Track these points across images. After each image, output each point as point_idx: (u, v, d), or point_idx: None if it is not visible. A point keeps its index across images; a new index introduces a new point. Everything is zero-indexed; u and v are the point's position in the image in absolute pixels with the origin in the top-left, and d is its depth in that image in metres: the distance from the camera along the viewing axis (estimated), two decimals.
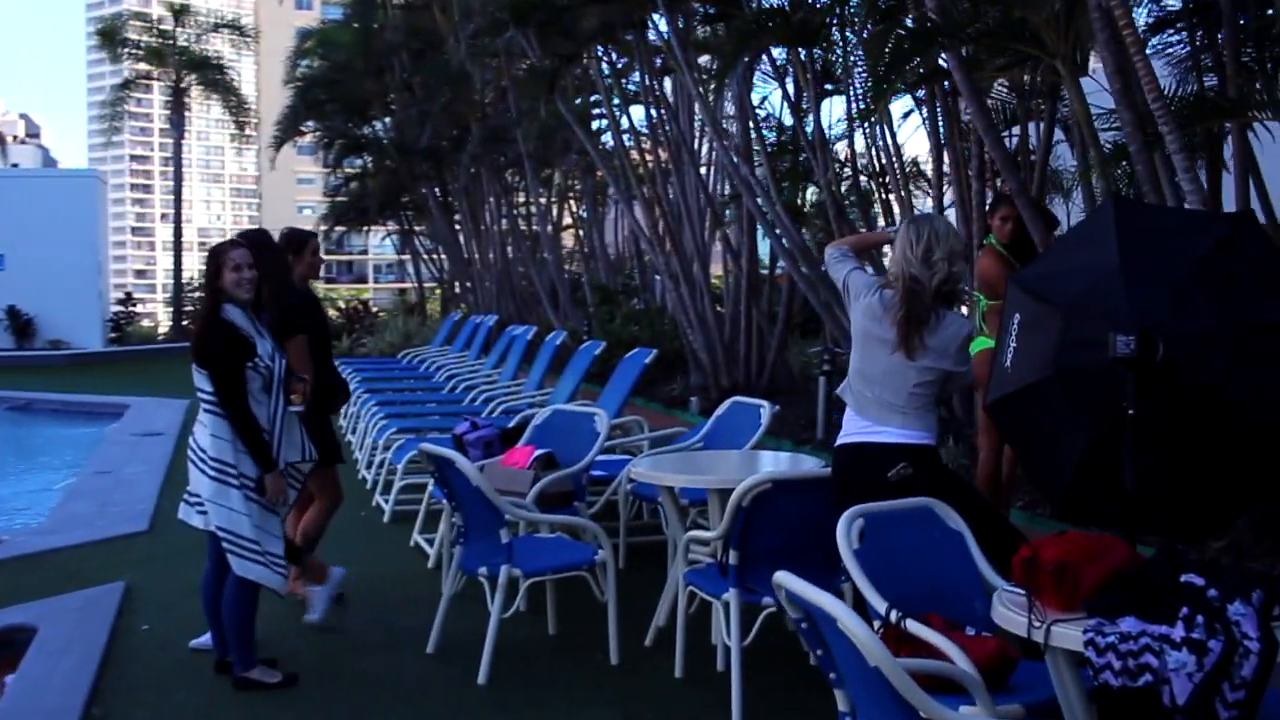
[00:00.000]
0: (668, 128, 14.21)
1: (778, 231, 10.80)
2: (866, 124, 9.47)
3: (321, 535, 6.79)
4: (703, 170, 15.12)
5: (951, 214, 10.01)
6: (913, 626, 3.87)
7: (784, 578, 3.15)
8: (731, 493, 5.75)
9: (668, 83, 14.83)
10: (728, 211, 14.26)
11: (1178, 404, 4.69)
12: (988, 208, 7.49)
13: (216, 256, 5.38)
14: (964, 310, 5.56)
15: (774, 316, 13.55)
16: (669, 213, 13.53)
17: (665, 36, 12.48)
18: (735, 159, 11.14)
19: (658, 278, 19.15)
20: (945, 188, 9.34)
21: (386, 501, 9.21)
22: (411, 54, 23.28)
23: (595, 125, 17.70)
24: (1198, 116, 5.80)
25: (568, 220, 24.20)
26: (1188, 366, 4.69)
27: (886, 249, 8.19)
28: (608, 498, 7.88)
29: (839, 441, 4.85)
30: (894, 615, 3.93)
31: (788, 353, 13.78)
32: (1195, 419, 4.72)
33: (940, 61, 7.42)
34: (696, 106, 15.76)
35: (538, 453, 7.00)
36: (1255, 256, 4.96)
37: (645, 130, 14.40)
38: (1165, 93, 6.85)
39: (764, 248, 13.92)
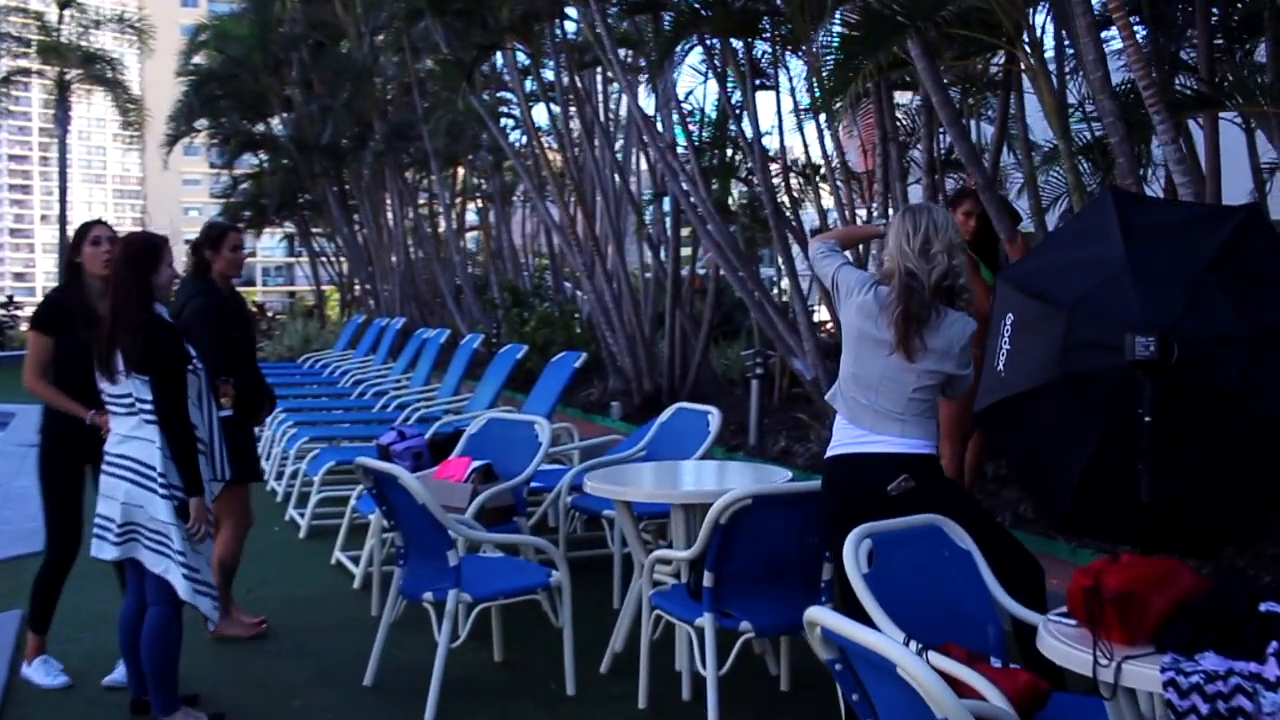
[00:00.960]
0: (587, 123, 13.75)
1: (709, 228, 10.39)
2: (819, 116, 9.10)
3: (238, 565, 6.24)
4: (624, 166, 14.71)
5: (892, 212, 9.71)
6: (935, 659, 3.47)
7: (819, 614, 2.73)
8: (696, 507, 5.38)
9: (596, 79, 14.40)
10: (649, 210, 13.81)
11: (1193, 409, 4.37)
12: (949, 201, 7.15)
13: (145, 250, 4.80)
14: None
15: (697, 318, 13.18)
16: (589, 211, 13.06)
17: (587, 28, 12.06)
18: (665, 154, 10.70)
19: (568, 285, 18.72)
20: (884, 186, 8.98)
21: (302, 516, 8.64)
22: (311, 48, 22.54)
23: (504, 123, 17.15)
24: (1192, 105, 5.50)
25: (474, 220, 23.62)
26: (1204, 369, 4.35)
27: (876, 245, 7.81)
28: (544, 511, 7.44)
29: (831, 452, 4.44)
30: (914, 646, 3.53)
31: (709, 355, 13.38)
32: (1212, 424, 4.40)
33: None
34: (617, 102, 15.38)
35: (475, 465, 6.51)
36: (1266, 253, 4.66)
37: (563, 127, 13.89)
38: (1118, 87, 6.61)
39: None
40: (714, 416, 7.06)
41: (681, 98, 12.35)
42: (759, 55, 10.47)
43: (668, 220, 12.82)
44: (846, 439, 4.39)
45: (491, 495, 6.29)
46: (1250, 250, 4.58)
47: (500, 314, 17.49)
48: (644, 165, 14.29)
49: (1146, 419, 4.20)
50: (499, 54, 14.95)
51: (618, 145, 15.15)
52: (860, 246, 8.84)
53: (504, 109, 18.07)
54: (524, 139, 15.40)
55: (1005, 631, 3.96)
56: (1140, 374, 4.20)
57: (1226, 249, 4.54)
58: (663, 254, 12.96)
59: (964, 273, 4.39)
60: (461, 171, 20.86)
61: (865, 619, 3.55)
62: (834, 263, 4.54)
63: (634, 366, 12.91)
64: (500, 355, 11.01)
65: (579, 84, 13.62)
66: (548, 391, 9.40)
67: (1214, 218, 4.91)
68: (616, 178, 14.17)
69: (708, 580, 4.69)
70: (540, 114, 17.07)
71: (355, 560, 7.33)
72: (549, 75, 15.43)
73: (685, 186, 10.49)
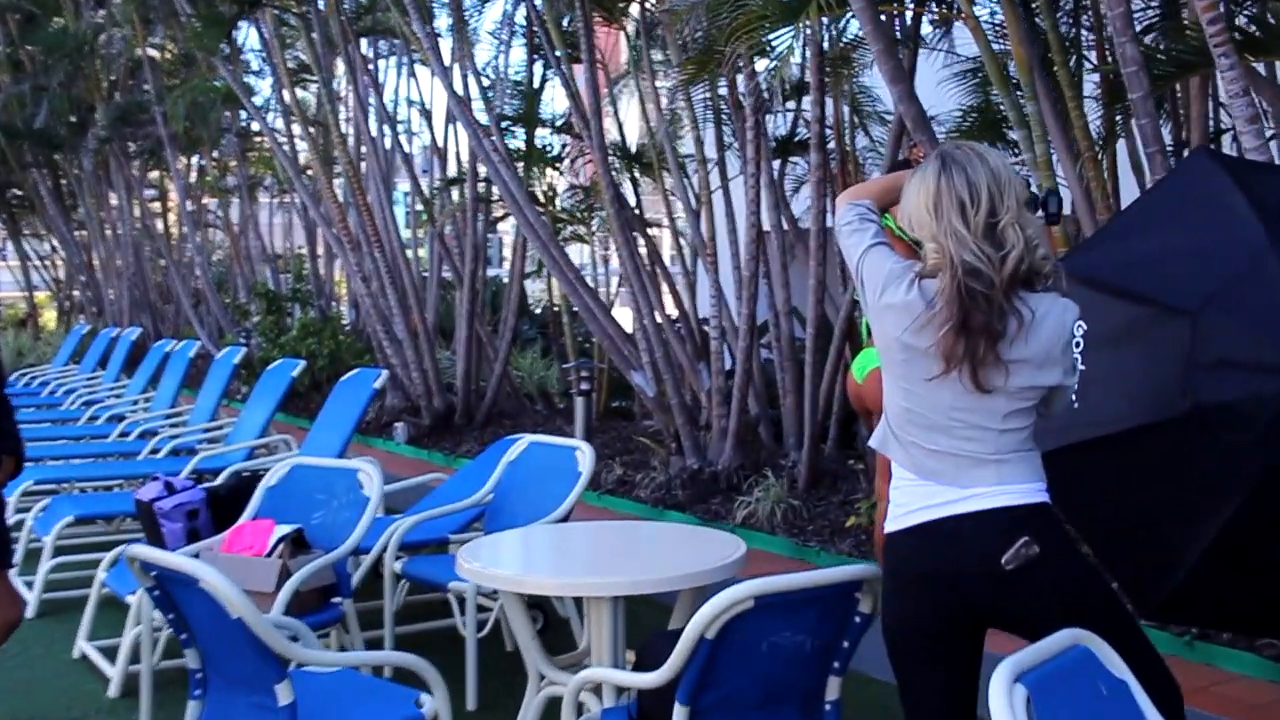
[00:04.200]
0: (363, 100, 11.98)
1: (527, 216, 8.83)
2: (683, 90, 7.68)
3: None
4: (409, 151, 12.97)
5: (740, 200, 8.39)
6: None
7: None
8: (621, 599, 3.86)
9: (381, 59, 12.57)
10: (436, 202, 12.11)
11: None
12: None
13: None
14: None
15: (497, 325, 11.60)
16: (367, 205, 11.30)
17: None
18: (479, 134, 9.07)
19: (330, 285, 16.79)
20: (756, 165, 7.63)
21: (30, 587, 6.63)
22: (20, 21, 19.79)
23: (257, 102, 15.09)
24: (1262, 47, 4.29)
25: (217, 215, 21.25)
26: None
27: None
28: (362, 578, 5.73)
29: (896, 526, 3.01)
30: None
31: (511, 368, 11.81)
32: None
33: None
34: (403, 75, 13.61)
35: (281, 530, 4.82)
36: None
37: (330, 104, 12.06)
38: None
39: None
40: (583, 453, 5.57)
41: (480, 68, 10.64)
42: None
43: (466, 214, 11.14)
44: (916, 501, 2.97)
45: (311, 573, 4.62)
46: None
47: (253, 322, 15.44)
48: (453, 147, 12.51)
49: None
50: (252, 27, 13.01)
51: (400, 127, 13.33)
52: None
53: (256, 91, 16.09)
54: (284, 121, 13.41)
55: None
56: None
57: None
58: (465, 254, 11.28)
59: (1044, 239, 2.98)
60: (200, 161, 18.57)
61: None
62: (863, 240, 3.07)
63: (422, 382, 11.20)
64: (269, 373, 9.20)
65: (357, 55, 11.81)
66: (342, 419, 7.68)
67: None
68: (402, 164, 12.45)
69: (679, 716, 3.18)
70: (305, 91, 15.16)
71: (109, 654, 5.49)
72: (301, 55, 13.62)
73: (502, 171, 8.89)
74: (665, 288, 9.78)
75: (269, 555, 4.72)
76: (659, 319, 8.54)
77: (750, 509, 7.31)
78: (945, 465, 2.92)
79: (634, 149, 10.73)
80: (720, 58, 6.13)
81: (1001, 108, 7.63)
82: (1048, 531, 2.87)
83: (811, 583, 3.19)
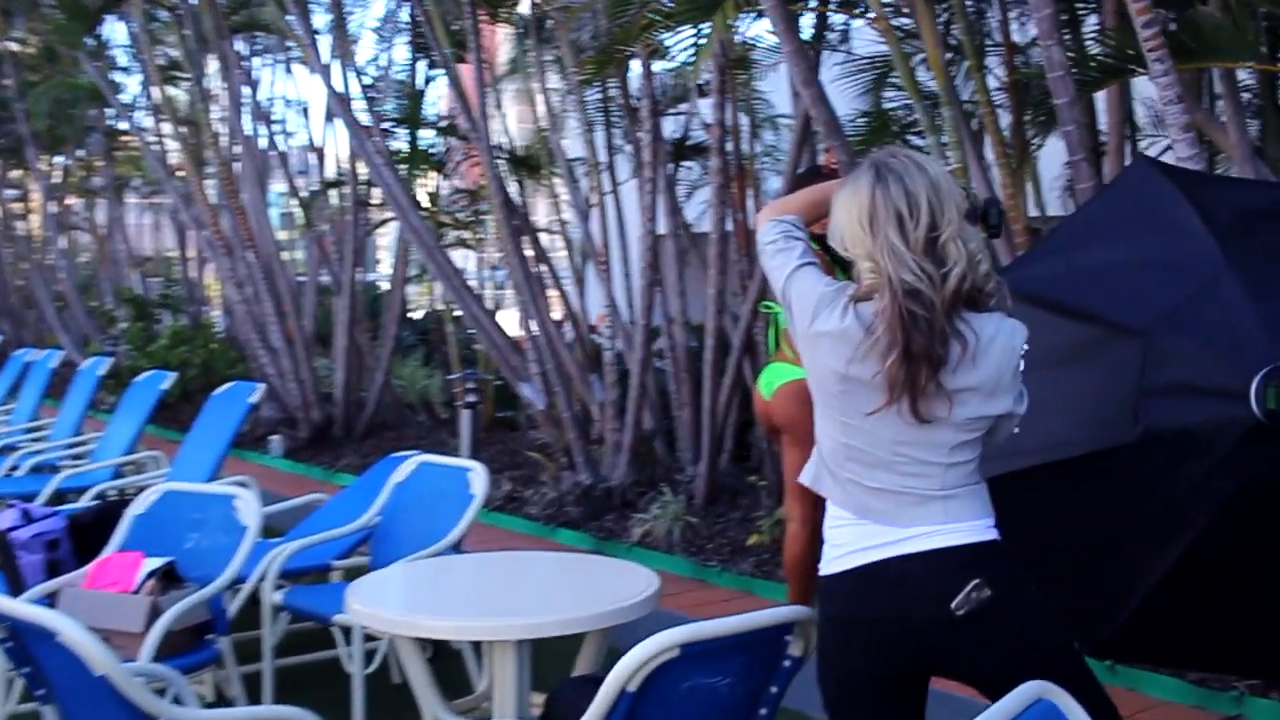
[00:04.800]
0: (236, 99, 11.48)
1: (411, 221, 8.47)
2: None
3: None
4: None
5: (633, 205, 8.14)
6: None
7: None
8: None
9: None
10: (314, 204, 11.65)
11: None
12: (791, 186, 5.58)
13: None
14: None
15: (376, 332, 11.19)
16: (240, 207, 10.81)
17: None
18: (361, 135, 8.68)
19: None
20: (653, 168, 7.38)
21: None
22: None
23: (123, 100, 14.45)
24: (1203, 53, 4.13)
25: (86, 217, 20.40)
26: None
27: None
28: (239, 609, 5.34)
29: (833, 569, 2.75)
30: None
31: (392, 377, 11.41)
32: None
33: None
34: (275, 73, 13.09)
35: (151, 564, 4.43)
36: None
37: (218, 108, 11.56)
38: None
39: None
40: (477, 475, 5.25)
41: (361, 67, 10.21)
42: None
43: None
44: (856, 542, 2.71)
45: (183, 611, 4.24)
46: None
47: (120, 330, 14.79)
48: (333, 148, 12.05)
49: None
50: (120, 22, 12.43)
51: (276, 126, 12.83)
52: None
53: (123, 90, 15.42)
54: (153, 119, 12.82)
55: None
56: None
57: None
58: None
59: (985, 254, 2.74)
60: (65, 160, 17.79)
61: None
62: (789, 261, 2.80)
63: (299, 392, 10.75)
64: (137, 386, 8.69)
65: (231, 51, 11.30)
66: (215, 436, 7.25)
67: None
68: (279, 165, 11.97)
69: None
70: (176, 89, 14.54)
71: None
72: (172, 51, 13.05)
73: (385, 173, 8.51)
74: (557, 296, 9.49)
75: (137, 592, 4.32)
76: (550, 329, 8.24)
77: (647, 527, 7.05)
78: (887, 503, 2.68)
79: (519, 151, 10.42)
80: (621, 56, 5.87)
81: (899, 113, 7.53)
82: (1000, 573, 2.64)
83: (741, 628, 2.92)
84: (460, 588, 4.13)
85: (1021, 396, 2.70)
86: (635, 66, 7.60)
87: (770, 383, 5.26)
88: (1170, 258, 3.06)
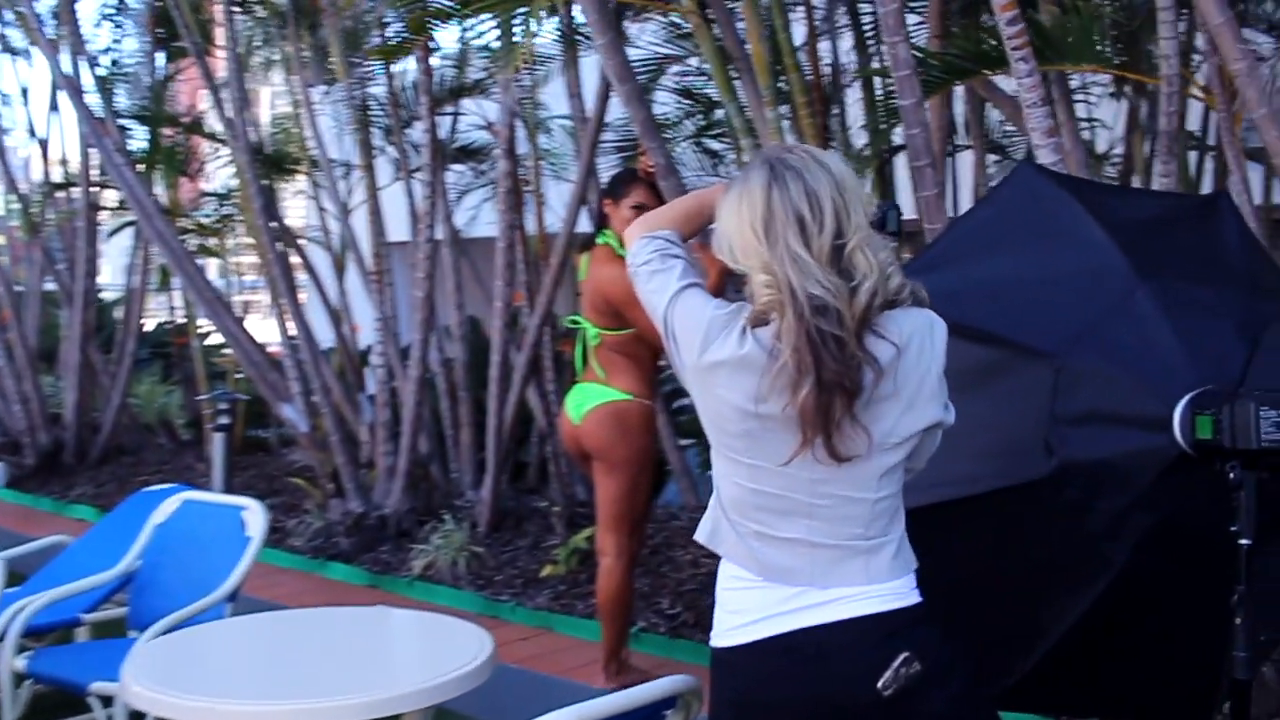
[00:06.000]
0: None
1: (157, 226, 7.68)
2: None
3: None
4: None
5: (402, 209, 7.59)
6: None
7: None
8: None
9: None
10: (38, 206, 10.55)
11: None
12: (604, 190, 5.14)
13: None
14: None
15: (110, 347, 10.25)
16: None
17: None
18: (97, 131, 7.82)
19: None
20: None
21: None
22: None
23: None
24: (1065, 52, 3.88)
25: None
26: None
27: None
28: None
29: (727, 641, 2.34)
30: None
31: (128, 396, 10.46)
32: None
33: None
34: None
35: None
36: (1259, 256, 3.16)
37: None
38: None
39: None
40: (253, 514, 4.69)
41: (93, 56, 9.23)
42: None
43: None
44: (761, 609, 2.30)
45: None
46: (1250, 254, 3.05)
47: None
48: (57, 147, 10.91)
49: (1244, 542, 2.50)
50: None
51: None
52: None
53: None
54: None
55: None
56: (1230, 467, 2.50)
57: (1249, 258, 2.98)
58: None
59: (896, 269, 2.38)
60: None
61: None
62: (667, 285, 2.38)
63: (24, 415, 9.73)
64: None
65: None
66: None
67: (1186, 205, 3.37)
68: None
69: None
70: None
71: None
72: None
73: (126, 174, 7.70)
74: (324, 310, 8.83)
75: None
76: (314, 344, 7.59)
77: (429, 559, 6.52)
78: (800, 560, 2.28)
79: (271, 151, 9.65)
80: (413, 46, 5.35)
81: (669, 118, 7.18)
82: (929, 645, 2.27)
83: (615, 709, 2.48)
84: (263, 659, 3.54)
85: (948, 405, 2.36)
86: (410, 63, 7.07)
87: (579, 405, 4.84)
88: (1075, 271, 2.78)
